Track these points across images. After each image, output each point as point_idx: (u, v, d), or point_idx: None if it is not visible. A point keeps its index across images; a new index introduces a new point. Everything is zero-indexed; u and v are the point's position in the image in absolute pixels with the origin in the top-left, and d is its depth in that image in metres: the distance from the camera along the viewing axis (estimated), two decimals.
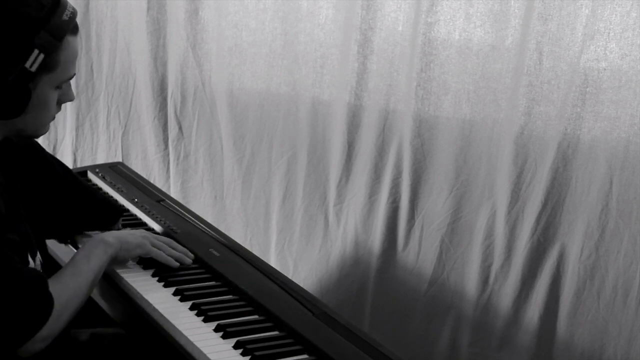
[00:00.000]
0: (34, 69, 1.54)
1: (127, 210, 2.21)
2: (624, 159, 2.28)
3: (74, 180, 1.98)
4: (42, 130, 1.66)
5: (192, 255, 1.90)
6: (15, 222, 1.61)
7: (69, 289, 1.61)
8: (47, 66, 1.56)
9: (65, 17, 1.57)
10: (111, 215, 2.03)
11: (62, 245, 2.00)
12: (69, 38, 1.59)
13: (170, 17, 3.01)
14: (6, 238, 1.53)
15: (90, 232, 2.00)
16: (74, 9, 1.61)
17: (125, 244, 1.79)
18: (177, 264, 1.86)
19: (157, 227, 2.09)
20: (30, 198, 1.80)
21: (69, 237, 2.00)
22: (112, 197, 2.26)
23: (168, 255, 1.85)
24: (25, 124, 1.61)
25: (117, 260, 1.80)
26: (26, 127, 1.62)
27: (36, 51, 1.53)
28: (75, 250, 1.93)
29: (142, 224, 2.13)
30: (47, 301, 1.55)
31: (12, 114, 1.56)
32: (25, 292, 1.51)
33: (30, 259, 1.64)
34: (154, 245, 1.84)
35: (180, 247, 1.91)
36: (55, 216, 1.93)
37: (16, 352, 1.54)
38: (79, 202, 1.96)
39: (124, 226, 2.09)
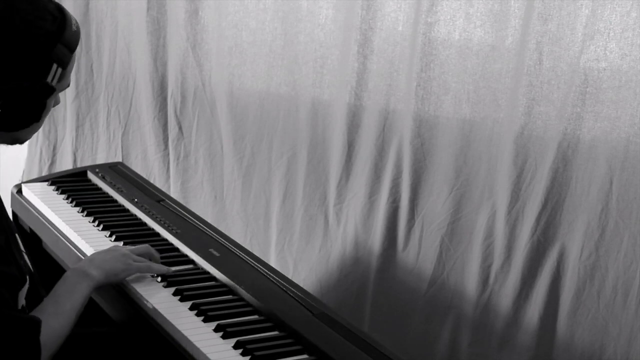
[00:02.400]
0: (54, 83, 1.53)
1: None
2: (624, 159, 2.28)
3: None
4: (31, 135, 1.65)
5: (170, 269, 1.85)
6: (8, 252, 1.57)
7: (51, 330, 1.54)
8: (59, 79, 1.56)
9: (74, 29, 1.57)
10: None
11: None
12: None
13: (170, 17, 3.01)
14: (1, 272, 1.50)
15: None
16: (75, 19, 1.61)
17: (110, 272, 1.72)
18: (170, 269, 1.83)
19: (157, 227, 2.09)
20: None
21: None
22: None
23: (155, 264, 1.82)
24: (25, 133, 1.61)
25: (103, 286, 1.74)
26: (24, 136, 1.62)
27: (55, 65, 1.52)
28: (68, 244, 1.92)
29: (142, 224, 2.13)
30: (35, 349, 1.50)
31: (23, 126, 1.56)
32: (15, 339, 1.48)
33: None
34: (136, 262, 1.79)
35: (156, 253, 1.87)
36: None
37: None
38: None
39: (125, 226, 2.09)
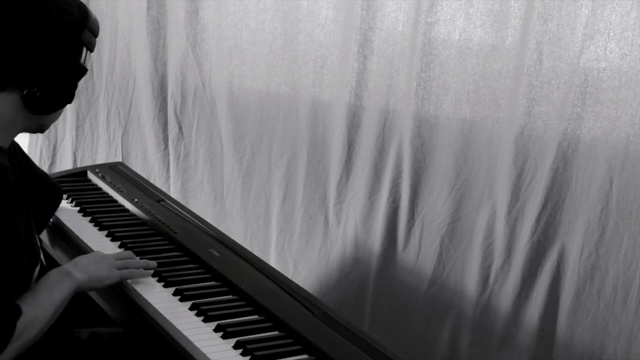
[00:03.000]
0: (86, 64, 1.64)
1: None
2: (624, 159, 2.28)
3: (32, 163, 1.96)
4: (51, 124, 1.73)
5: (154, 264, 1.85)
6: (31, 234, 1.61)
7: (24, 320, 1.53)
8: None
9: (94, 16, 1.66)
10: (58, 193, 2.02)
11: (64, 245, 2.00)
12: None
13: (170, 17, 3.01)
14: (12, 252, 1.52)
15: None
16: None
17: (94, 277, 1.70)
18: (151, 272, 1.82)
19: (157, 227, 2.09)
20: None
21: (45, 225, 1.99)
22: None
23: (136, 268, 1.81)
24: (51, 118, 1.68)
25: (85, 290, 1.73)
26: (49, 121, 1.69)
27: (85, 48, 1.62)
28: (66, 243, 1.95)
29: (142, 224, 2.13)
30: (8, 334, 1.50)
31: (57, 108, 1.64)
32: None
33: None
34: (120, 268, 1.77)
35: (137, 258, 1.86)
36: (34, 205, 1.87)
37: None
38: (41, 186, 1.94)
39: (126, 226, 2.09)
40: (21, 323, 1.52)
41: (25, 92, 1.57)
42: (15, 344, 1.52)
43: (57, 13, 1.58)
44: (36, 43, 1.55)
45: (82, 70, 1.64)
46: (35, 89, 1.57)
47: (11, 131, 1.63)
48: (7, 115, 1.59)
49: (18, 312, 1.52)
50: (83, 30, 1.61)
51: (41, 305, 1.58)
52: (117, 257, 1.80)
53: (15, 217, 1.54)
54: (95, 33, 1.65)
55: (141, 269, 1.81)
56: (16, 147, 1.87)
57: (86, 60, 1.64)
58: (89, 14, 1.64)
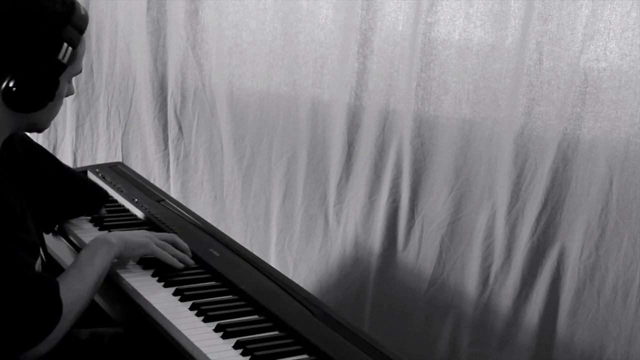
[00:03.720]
0: (65, 60, 1.59)
1: (112, 197, 2.22)
2: (624, 159, 2.28)
3: (58, 165, 2.00)
4: (49, 124, 1.71)
5: (191, 262, 1.88)
6: (26, 221, 1.62)
7: (73, 292, 1.61)
8: (70, 60, 1.61)
9: (83, 13, 1.64)
10: (96, 200, 2.07)
11: (63, 244, 2.00)
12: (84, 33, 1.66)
13: (170, 17, 3.01)
14: (19, 238, 1.55)
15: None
16: (84, 8, 1.67)
17: (128, 243, 1.78)
18: (181, 265, 1.85)
19: (157, 227, 2.09)
20: (26, 190, 1.80)
21: (54, 225, 2.02)
22: (96, 182, 2.24)
23: (172, 256, 1.84)
24: (41, 117, 1.65)
25: (121, 259, 1.81)
26: (40, 120, 1.67)
27: (65, 44, 1.58)
28: (65, 241, 1.97)
29: (142, 224, 2.13)
30: (57, 307, 1.56)
31: (38, 106, 1.60)
32: (36, 297, 1.53)
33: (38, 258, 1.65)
34: (157, 245, 1.83)
35: (183, 244, 1.90)
36: (43, 204, 1.92)
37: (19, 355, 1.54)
38: (63, 188, 1.97)
39: (126, 226, 2.09)
40: (70, 295, 1.58)
41: (2, 87, 1.55)
42: (69, 317, 1.58)
43: (35, 7, 1.55)
44: (10, 37, 1.53)
45: (60, 67, 1.59)
46: (10, 84, 1.54)
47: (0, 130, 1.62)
48: None
49: (56, 285, 1.57)
50: (65, 26, 1.58)
51: (85, 275, 1.66)
52: (160, 237, 1.86)
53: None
54: (80, 29, 1.61)
55: (175, 259, 1.84)
56: (28, 146, 1.90)
57: (67, 57, 1.59)
58: (76, 10, 1.61)
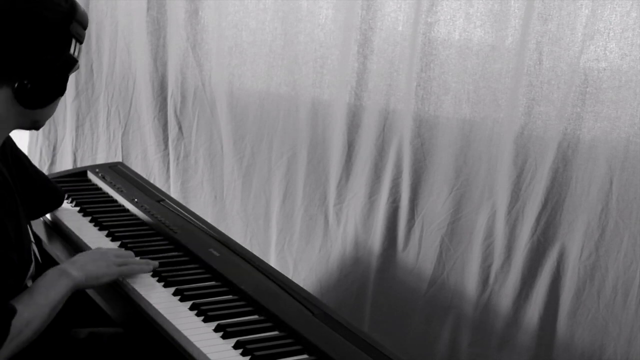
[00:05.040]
0: (76, 55, 1.63)
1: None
2: (624, 159, 2.28)
3: (30, 165, 1.97)
4: (46, 121, 1.71)
5: (155, 263, 1.85)
6: (20, 236, 1.60)
7: (20, 318, 1.54)
8: (79, 54, 1.65)
9: (82, 10, 1.66)
10: (54, 200, 2.08)
11: (60, 244, 2.00)
12: None
13: (170, 17, 3.01)
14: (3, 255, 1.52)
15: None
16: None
17: (91, 274, 1.70)
18: (156, 264, 1.82)
19: (157, 227, 2.09)
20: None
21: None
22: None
23: (136, 265, 1.81)
24: (44, 114, 1.66)
25: (83, 288, 1.74)
26: (43, 117, 1.67)
27: (74, 40, 1.62)
28: (63, 240, 1.96)
29: (142, 224, 2.13)
30: (3, 335, 1.50)
31: (48, 102, 1.63)
32: None
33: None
34: (120, 264, 1.77)
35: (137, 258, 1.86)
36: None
37: None
38: (32, 187, 1.94)
39: (126, 226, 2.09)
40: (17, 323, 1.52)
41: (16, 85, 1.56)
42: (12, 344, 1.52)
43: (44, 5, 1.57)
44: (24, 35, 1.55)
45: (72, 62, 1.62)
46: (25, 82, 1.56)
47: (3, 128, 1.62)
48: None
49: (12, 312, 1.52)
50: (71, 22, 1.61)
51: (37, 305, 1.59)
52: (117, 255, 1.79)
53: (3, 218, 1.53)
54: (83, 25, 1.65)
55: (141, 264, 1.81)
56: (13, 146, 1.87)
57: (76, 52, 1.63)
58: (77, 6, 1.64)
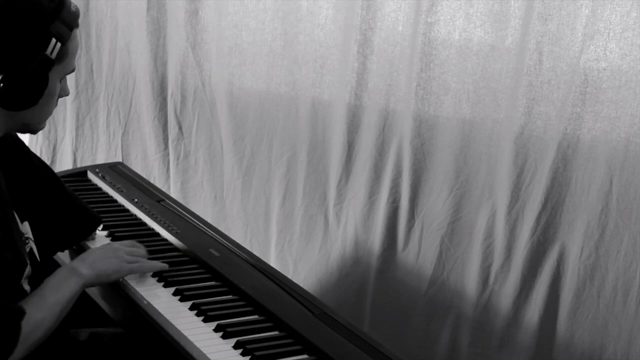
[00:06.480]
0: (54, 56, 1.56)
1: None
2: (624, 159, 2.28)
3: (58, 185, 1.91)
4: (43, 124, 1.67)
5: (165, 266, 1.83)
6: (12, 237, 1.58)
7: (32, 322, 1.54)
8: (59, 56, 1.59)
9: (73, 9, 1.62)
10: (89, 226, 1.96)
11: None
12: (75, 30, 1.63)
13: (170, 17, 3.01)
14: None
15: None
16: (75, 5, 1.65)
17: (102, 272, 1.70)
18: (166, 266, 1.82)
19: (157, 227, 2.09)
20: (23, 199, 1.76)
21: (49, 255, 1.90)
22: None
23: (147, 262, 1.80)
24: (32, 117, 1.62)
25: (94, 285, 1.74)
26: (32, 120, 1.63)
27: (54, 40, 1.56)
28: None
29: (142, 224, 2.13)
30: (14, 336, 1.50)
31: (28, 103, 1.57)
32: None
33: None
34: (131, 262, 1.76)
35: (143, 247, 1.84)
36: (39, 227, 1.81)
37: None
38: (59, 211, 1.87)
39: (125, 226, 2.10)
40: (28, 324, 1.52)
41: None
42: (24, 345, 1.52)
43: (23, 4, 1.53)
44: None
45: (49, 62, 1.56)
46: None
47: None
48: None
49: (21, 314, 1.51)
50: (53, 21, 1.55)
51: (48, 305, 1.58)
52: (128, 252, 1.78)
53: None
54: (69, 25, 1.59)
55: (152, 263, 1.80)
56: (33, 157, 1.83)
57: (59, 52, 1.57)
58: (66, 5, 1.59)
